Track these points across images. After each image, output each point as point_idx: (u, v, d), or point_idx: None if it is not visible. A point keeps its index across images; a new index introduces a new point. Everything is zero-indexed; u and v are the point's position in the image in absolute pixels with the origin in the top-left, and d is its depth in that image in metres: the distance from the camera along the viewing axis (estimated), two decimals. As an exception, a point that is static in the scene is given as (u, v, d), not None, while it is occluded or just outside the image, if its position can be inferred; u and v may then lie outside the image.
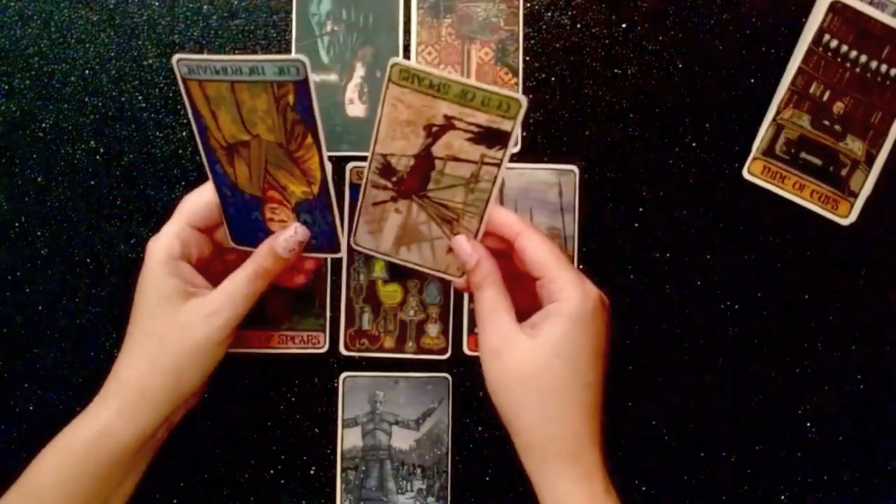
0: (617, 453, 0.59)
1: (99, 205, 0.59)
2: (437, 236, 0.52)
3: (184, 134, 0.59)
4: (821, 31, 0.57)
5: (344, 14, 0.59)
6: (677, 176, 0.59)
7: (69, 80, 0.59)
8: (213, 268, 0.54)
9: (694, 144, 0.59)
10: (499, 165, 0.48)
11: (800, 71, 0.58)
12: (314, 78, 0.59)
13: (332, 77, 0.59)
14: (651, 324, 0.59)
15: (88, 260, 0.59)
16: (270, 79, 0.45)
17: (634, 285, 0.59)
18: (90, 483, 0.49)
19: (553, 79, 0.59)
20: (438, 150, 0.49)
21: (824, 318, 0.59)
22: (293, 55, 0.45)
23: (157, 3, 0.59)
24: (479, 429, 0.59)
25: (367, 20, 0.59)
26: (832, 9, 0.57)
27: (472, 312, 0.58)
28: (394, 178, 0.50)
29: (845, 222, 0.58)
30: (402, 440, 0.59)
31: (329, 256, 0.53)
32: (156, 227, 0.59)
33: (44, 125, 0.59)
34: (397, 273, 0.58)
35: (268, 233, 0.52)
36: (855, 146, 0.58)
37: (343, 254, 0.53)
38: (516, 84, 0.59)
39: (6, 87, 0.60)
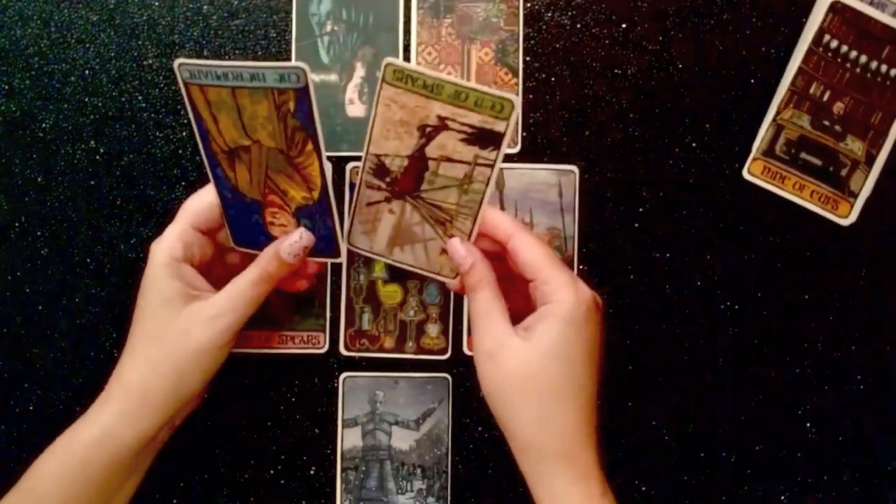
0: (617, 453, 0.59)
1: (99, 205, 0.59)
2: (430, 237, 0.52)
3: (184, 134, 0.59)
4: (821, 32, 0.57)
5: (344, 14, 0.59)
6: (677, 176, 0.59)
7: (69, 80, 0.59)
8: (215, 270, 0.54)
9: (694, 144, 0.59)
10: (492, 166, 0.48)
11: (800, 71, 0.58)
12: (314, 78, 0.59)
13: (332, 77, 0.59)
14: (651, 324, 0.59)
15: (88, 260, 0.59)
16: (271, 85, 0.46)
17: (634, 285, 0.59)
18: (91, 486, 0.49)
19: (553, 79, 0.59)
20: (432, 150, 0.49)
21: (824, 318, 0.59)
22: (294, 63, 0.45)
23: (157, 3, 0.59)
24: (479, 429, 0.59)
25: (367, 20, 0.59)
26: (832, 9, 0.57)
27: (472, 312, 0.58)
28: (388, 179, 0.50)
29: (845, 222, 0.58)
30: (402, 440, 0.59)
31: (329, 261, 0.53)
32: (156, 228, 0.59)
33: (44, 125, 0.59)
34: (397, 273, 0.58)
35: (268, 236, 0.52)
36: (855, 146, 0.58)
37: (343, 258, 0.53)
38: (516, 84, 0.59)
39: (6, 87, 0.60)
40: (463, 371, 0.59)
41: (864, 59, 0.57)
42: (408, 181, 0.50)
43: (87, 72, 0.60)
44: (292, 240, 0.51)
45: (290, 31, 0.59)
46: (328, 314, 0.59)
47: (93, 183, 0.59)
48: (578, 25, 0.59)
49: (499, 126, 0.47)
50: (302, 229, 0.51)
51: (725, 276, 0.59)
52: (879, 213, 0.58)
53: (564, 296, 0.48)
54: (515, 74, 0.59)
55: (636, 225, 0.59)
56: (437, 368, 0.59)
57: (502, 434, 0.50)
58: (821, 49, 0.57)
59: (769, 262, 0.59)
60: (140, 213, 0.59)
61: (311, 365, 0.59)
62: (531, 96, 0.59)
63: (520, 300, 0.51)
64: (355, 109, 0.59)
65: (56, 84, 0.59)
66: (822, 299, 0.59)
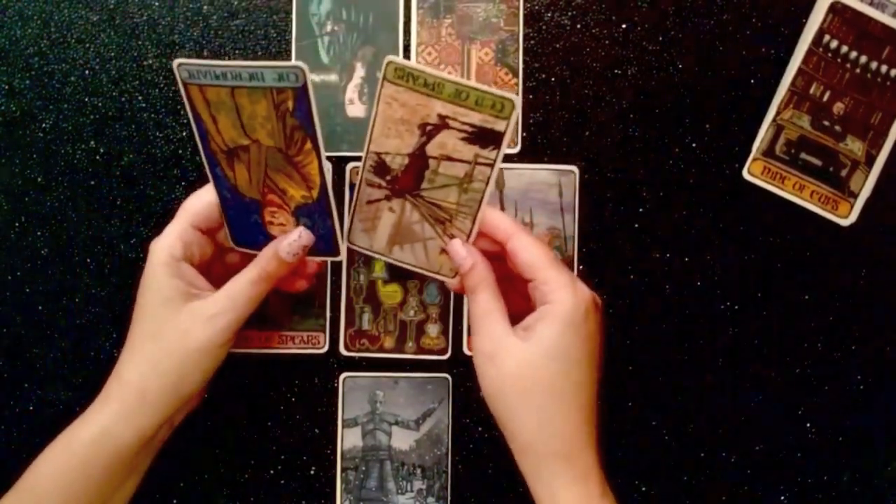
0: (617, 453, 0.59)
1: (99, 205, 0.59)
2: (430, 237, 0.52)
3: (184, 134, 0.59)
4: (821, 32, 0.57)
5: (344, 14, 0.59)
6: (677, 176, 0.59)
7: (69, 80, 0.59)
8: (215, 270, 0.54)
9: (694, 144, 0.59)
10: (492, 166, 0.48)
11: (800, 71, 0.58)
12: (314, 78, 0.59)
13: (332, 77, 0.59)
14: (651, 324, 0.59)
15: (88, 260, 0.59)
16: (270, 85, 0.46)
17: (634, 285, 0.59)
18: (91, 485, 0.49)
19: (553, 79, 0.59)
20: (432, 149, 0.49)
21: (824, 318, 0.59)
22: (292, 62, 0.45)
23: (157, 3, 0.59)
24: (479, 429, 0.59)
25: (367, 20, 0.59)
26: (832, 9, 0.57)
27: (472, 312, 0.58)
28: (388, 177, 0.50)
29: (845, 223, 0.58)
30: (402, 440, 0.59)
31: (329, 260, 0.53)
32: (156, 227, 0.59)
33: (44, 125, 0.59)
34: (397, 273, 0.58)
35: (268, 236, 0.52)
36: (855, 147, 0.58)
37: (343, 257, 0.53)
38: (516, 84, 0.59)
39: (6, 87, 0.60)
40: (463, 371, 0.59)
41: (864, 59, 0.57)
42: (408, 179, 0.50)
43: (87, 72, 0.60)
44: (291, 239, 0.51)
45: (290, 31, 0.59)
46: (328, 314, 0.59)
47: (93, 183, 0.59)
48: (578, 25, 0.59)
49: (499, 125, 0.47)
50: (301, 228, 0.51)
51: (725, 276, 0.59)
52: (879, 213, 0.58)
53: (563, 296, 0.48)
54: (515, 74, 0.59)
55: (636, 225, 0.59)
56: (437, 368, 0.59)
57: (502, 434, 0.50)
58: (821, 49, 0.57)
59: (769, 262, 0.59)
60: (140, 213, 0.59)
61: (311, 365, 0.59)
62: (531, 96, 0.59)
63: (519, 300, 0.51)
64: (355, 109, 0.59)
65: (56, 84, 0.59)
66: (822, 299, 0.59)
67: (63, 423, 0.51)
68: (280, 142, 0.48)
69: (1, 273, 0.59)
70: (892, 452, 0.59)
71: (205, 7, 0.59)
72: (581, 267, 0.59)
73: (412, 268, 0.53)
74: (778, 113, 0.58)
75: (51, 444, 0.50)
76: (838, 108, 0.58)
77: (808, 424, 0.59)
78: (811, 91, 0.58)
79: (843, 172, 0.58)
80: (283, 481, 0.59)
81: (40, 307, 0.59)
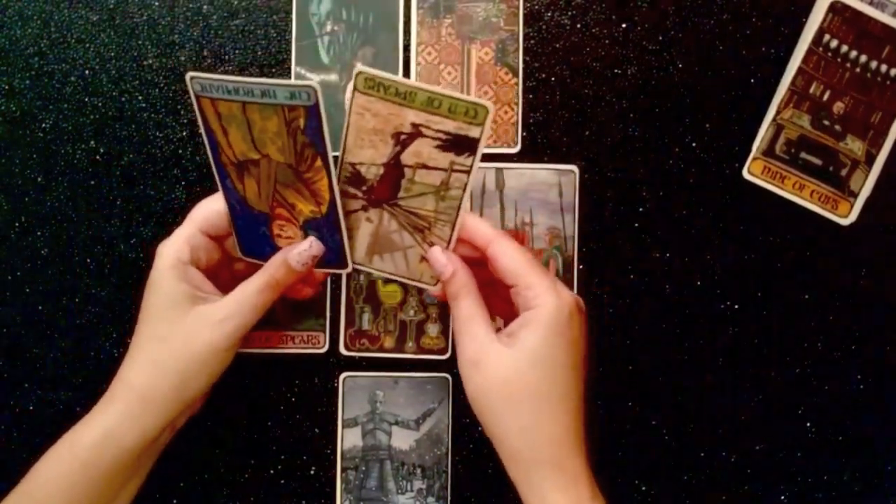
0: (617, 453, 0.59)
1: (99, 205, 0.59)
2: (409, 245, 0.51)
3: (184, 134, 0.59)
4: (821, 31, 0.57)
5: (344, 14, 0.59)
6: (677, 176, 0.59)
7: (69, 80, 0.59)
8: (222, 276, 0.53)
9: (694, 144, 0.59)
10: (468, 172, 0.48)
11: (800, 71, 0.58)
12: (314, 78, 0.59)
13: (332, 77, 0.59)
14: (651, 324, 0.59)
15: (88, 260, 0.59)
16: (281, 102, 0.46)
17: (634, 285, 0.59)
18: (93, 487, 0.49)
19: (553, 79, 0.59)
20: (407, 158, 0.48)
21: (824, 318, 0.59)
22: (305, 81, 0.45)
23: (156, 3, 0.59)
24: (479, 429, 0.59)
25: (367, 20, 0.59)
26: (832, 9, 0.57)
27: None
28: (364, 188, 0.50)
29: (845, 222, 0.58)
30: (402, 440, 0.59)
31: (336, 272, 0.53)
32: (156, 228, 0.59)
33: (44, 125, 0.59)
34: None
35: (275, 248, 0.52)
36: (855, 146, 0.58)
37: (350, 268, 0.52)
38: (516, 84, 0.59)
39: (6, 87, 0.60)
40: (463, 371, 0.59)
41: (864, 59, 0.57)
42: (384, 189, 0.50)
43: (87, 72, 0.60)
44: (302, 248, 0.51)
45: (290, 31, 0.59)
46: (328, 314, 0.59)
47: (93, 183, 0.59)
48: (578, 25, 0.59)
49: (474, 132, 0.46)
50: (312, 238, 0.51)
51: (725, 276, 0.59)
52: (879, 213, 0.58)
53: (546, 301, 0.47)
54: (515, 74, 0.59)
55: (636, 225, 0.59)
56: (437, 368, 0.59)
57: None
58: (821, 49, 0.57)
59: (769, 262, 0.59)
60: (140, 213, 0.59)
61: (311, 365, 0.59)
62: (531, 96, 0.59)
63: (502, 305, 0.51)
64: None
65: (56, 84, 0.59)
66: (822, 299, 0.59)
67: (63, 424, 0.50)
68: (290, 158, 0.48)
69: (1, 273, 0.59)
70: (892, 452, 0.59)
71: (205, 7, 0.59)
72: (581, 267, 0.59)
73: (393, 277, 0.53)
74: (778, 112, 0.58)
75: (53, 445, 0.50)
76: (838, 107, 0.58)
77: (808, 424, 0.59)
78: (811, 90, 0.58)
79: (843, 172, 0.58)
80: (283, 481, 0.59)
81: (40, 307, 0.59)
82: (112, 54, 0.59)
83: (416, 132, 0.47)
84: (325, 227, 0.50)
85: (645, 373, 0.59)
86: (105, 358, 0.59)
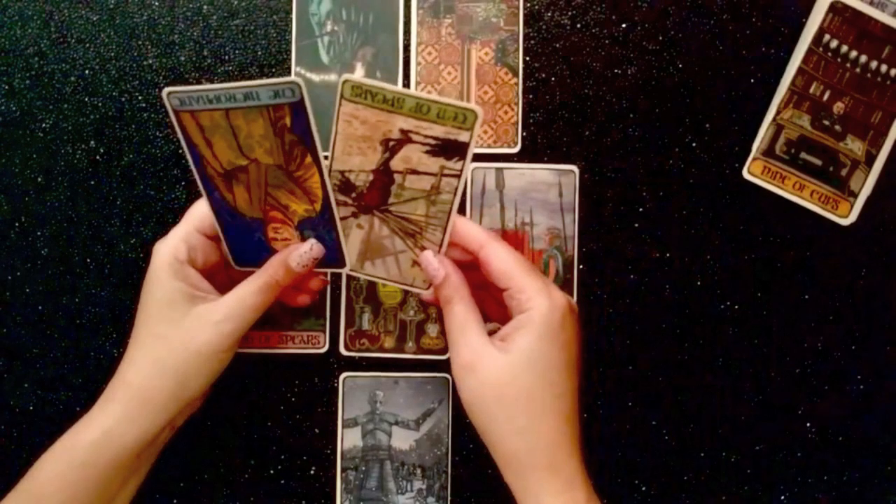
0: (617, 453, 0.59)
1: (99, 205, 0.59)
2: (401, 250, 0.51)
3: (184, 134, 0.59)
4: (821, 32, 0.57)
5: (344, 14, 0.59)
6: (677, 176, 0.59)
7: (69, 80, 0.59)
8: (219, 277, 0.53)
9: (694, 144, 0.59)
10: (458, 176, 0.48)
11: (800, 71, 0.58)
12: (313, 78, 0.59)
13: (332, 77, 0.59)
14: (651, 324, 0.59)
15: (88, 260, 0.59)
16: (266, 103, 0.45)
17: (634, 285, 0.59)
18: (92, 486, 0.49)
19: (553, 79, 0.59)
20: (397, 164, 0.48)
21: (824, 318, 0.59)
22: (287, 78, 0.44)
23: (157, 3, 0.59)
24: (479, 429, 0.59)
25: (367, 20, 0.59)
26: (832, 9, 0.57)
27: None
28: (353, 194, 0.50)
29: (845, 222, 0.58)
30: (402, 440, 0.59)
31: (334, 271, 0.53)
32: (156, 228, 0.59)
33: (44, 125, 0.59)
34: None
35: (271, 251, 0.52)
36: (855, 146, 0.58)
37: (348, 267, 0.52)
38: (516, 84, 0.59)
39: (6, 87, 0.60)
40: (463, 371, 0.59)
41: (864, 59, 0.57)
42: (374, 196, 0.49)
43: (87, 72, 0.60)
44: (303, 250, 0.51)
45: (290, 31, 0.59)
46: (328, 314, 0.59)
47: (93, 183, 0.59)
48: (578, 25, 0.59)
49: (463, 136, 0.46)
50: (313, 240, 0.51)
51: (725, 276, 0.59)
52: (879, 213, 0.58)
53: (539, 303, 0.47)
54: (515, 74, 0.59)
55: (636, 225, 0.59)
56: (436, 368, 0.59)
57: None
58: (821, 49, 0.57)
59: (769, 262, 0.59)
60: (140, 213, 0.59)
61: (311, 365, 0.59)
62: (531, 96, 0.59)
63: (496, 308, 0.51)
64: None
65: (56, 84, 0.59)
66: (822, 299, 0.59)
67: (63, 424, 0.50)
68: (279, 158, 0.48)
69: (1, 273, 0.59)
70: (892, 452, 0.59)
71: (205, 7, 0.59)
72: (581, 267, 0.59)
73: (386, 282, 0.53)
74: (778, 112, 0.58)
75: (52, 445, 0.50)
76: (838, 107, 0.58)
77: (808, 424, 0.59)
78: (811, 91, 0.58)
79: (843, 172, 0.58)
80: (283, 481, 0.59)
81: (40, 307, 0.59)
82: (112, 54, 0.60)
83: (405, 138, 0.47)
84: (321, 225, 0.50)
85: (645, 373, 0.59)
86: (105, 358, 0.59)
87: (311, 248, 0.51)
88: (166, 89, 0.46)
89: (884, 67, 0.57)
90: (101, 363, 0.59)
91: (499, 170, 0.59)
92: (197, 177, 0.49)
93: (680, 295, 0.59)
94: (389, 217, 0.50)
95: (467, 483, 0.59)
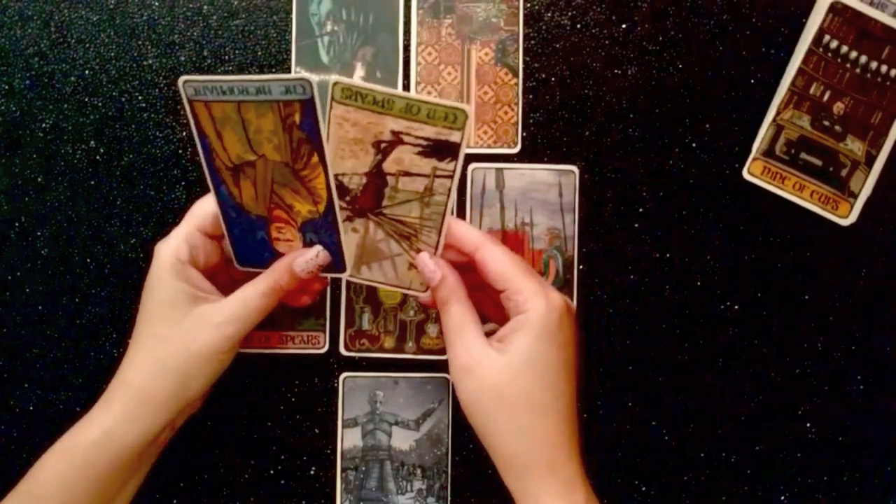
0: (617, 453, 0.59)
1: (99, 205, 0.59)
2: (397, 253, 0.51)
3: (184, 134, 0.59)
4: (821, 32, 0.57)
5: (344, 14, 0.59)
6: (677, 176, 0.59)
7: (69, 80, 0.59)
8: (221, 278, 0.53)
9: (694, 144, 0.59)
10: (451, 177, 0.48)
11: (800, 71, 0.58)
12: (314, 78, 0.59)
13: (333, 77, 0.59)
14: (651, 324, 0.59)
15: (88, 260, 0.59)
16: (277, 98, 0.45)
17: (634, 285, 0.59)
18: (93, 486, 0.49)
19: (553, 79, 0.59)
20: (389, 165, 0.48)
21: (824, 318, 0.59)
22: (300, 74, 0.45)
23: (157, 3, 0.59)
24: (479, 429, 0.59)
25: (367, 20, 0.59)
26: (832, 9, 0.57)
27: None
28: (347, 198, 0.50)
29: (845, 222, 0.58)
30: (402, 440, 0.59)
31: (334, 276, 0.53)
32: (156, 228, 0.59)
33: (44, 125, 0.59)
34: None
35: (274, 252, 0.52)
36: (855, 146, 0.58)
37: (348, 272, 0.52)
38: (516, 84, 0.59)
39: (6, 87, 0.60)
40: (463, 371, 0.59)
41: (864, 59, 0.57)
42: (368, 199, 0.49)
43: (87, 72, 0.60)
44: (309, 256, 0.51)
45: (290, 31, 0.59)
46: (328, 314, 0.59)
47: (93, 183, 0.59)
48: (578, 25, 0.59)
49: (454, 136, 0.46)
50: (319, 247, 0.51)
51: (725, 276, 0.59)
52: (879, 213, 0.58)
53: (536, 304, 0.47)
54: (515, 74, 0.59)
55: (636, 225, 0.59)
56: (436, 368, 0.59)
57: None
58: (821, 49, 0.57)
59: (769, 262, 0.59)
60: (140, 213, 0.59)
61: (311, 365, 0.59)
62: (531, 96, 0.59)
63: (493, 309, 0.51)
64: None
65: (56, 84, 0.59)
66: (822, 299, 0.59)
67: (63, 424, 0.51)
68: (287, 156, 0.48)
69: (1, 273, 0.59)
70: (892, 452, 0.59)
71: (205, 7, 0.59)
72: (581, 267, 0.59)
73: (383, 286, 0.53)
74: (778, 113, 0.58)
75: (53, 445, 0.50)
76: (838, 108, 0.58)
77: (808, 424, 0.59)
78: (811, 91, 0.58)
79: (843, 172, 0.58)
80: (283, 481, 0.59)
81: (40, 307, 0.59)
82: (112, 54, 0.59)
83: (397, 140, 0.47)
84: (323, 228, 0.50)
85: (645, 373, 0.59)
86: (105, 358, 0.59)
87: (316, 256, 0.51)
88: (183, 77, 0.46)
89: (884, 68, 0.57)
90: (101, 363, 0.59)
91: (499, 170, 0.59)
92: (206, 169, 0.50)
93: (680, 295, 0.59)
94: (384, 220, 0.50)
95: (467, 483, 0.59)
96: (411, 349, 0.59)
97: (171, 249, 0.50)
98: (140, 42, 0.59)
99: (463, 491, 0.59)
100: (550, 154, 0.59)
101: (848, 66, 0.57)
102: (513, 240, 0.59)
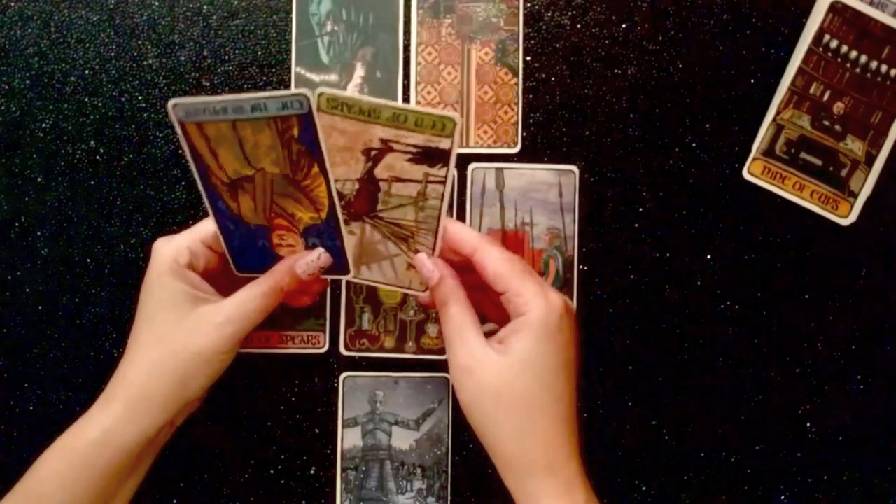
0: (617, 453, 0.59)
1: (99, 205, 0.59)
2: (395, 253, 0.51)
3: (184, 134, 0.59)
4: (821, 32, 0.57)
5: (344, 14, 0.59)
6: (677, 176, 0.59)
7: (69, 80, 0.59)
8: (220, 281, 0.53)
9: (694, 144, 0.59)
10: (444, 182, 0.47)
11: (800, 71, 0.58)
12: (313, 78, 0.59)
13: (332, 77, 0.59)
14: (651, 324, 0.59)
15: (88, 260, 0.59)
16: (274, 114, 0.45)
17: (634, 285, 0.59)
18: (92, 485, 0.49)
19: (553, 79, 0.59)
20: (381, 172, 0.48)
21: (824, 318, 0.59)
22: (296, 90, 0.44)
23: (156, 3, 0.59)
24: (479, 429, 0.59)
25: (367, 20, 0.59)
26: (832, 9, 0.57)
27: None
28: (342, 202, 0.49)
29: (845, 222, 0.58)
30: (402, 440, 0.59)
31: (337, 278, 0.53)
32: (156, 228, 0.59)
33: (44, 125, 0.59)
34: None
35: (275, 257, 0.52)
36: (855, 146, 0.58)
37: (352, 274, 0.52)
38: (516, 84, 0.59)
39: (6, 87, 0.60)
40: (463, 371, 0.59)
41: (864, 59, 0.57)
42: (362, 203, 0.49)
43: (87, 72, 0.60)
44: (310, 258, 0.50)
45: (290, 31, 0.59)
46: (328, 314, 0.59)
47: (93, 183, 0.59)
48: (578, 25, 0.59)
49: (444, 144, 0.46)
50: (320, 250, 0.51)
51: (725, 276, 0.59)
52: (879, 213, 0.58)
53: (536, 306, 0.47)
54: (515, 74, 0.59)
55: (636, 225, 0.59)
56: (436, 368, 0.59)
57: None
58: (821, 49, 0.57)
59: (769, 262, 0.59)
60: (140, 213, 0.59)
61: (311, 365, 0.59)
62: (531, 96, 0.59)
63: (493, 309, 0.51)
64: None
65: (56, 84, 0.59)
66: (822, 299, 0.59)
67: (63, 423, 0.50)
68: (286, 168, 0.47)
69: (1, 273, 0.59)
70: (892, 452, 0.59)
71: (205, 7, 0.59)
72: (581, 267, 0.59)
73: (383, 285, 0.53)
74: (778, 113, 0.58)
75: (53, 444, 0.50)
76: (838, 107, 0.58)
77: (808, 424, 0.59)
78: (811, 91, 0.58)
79: (843, 172, 0.58)
80: (283, 481, 0.59)
81: (40, 307, 0.59)
82: (112, 54, 0.59)
83: (386, 147, 0.47)
84: (326, 233, 0.50)
85: (645, 373, 0.59)
86: (105, 358, 0.59)
87: (318, 258, 0.51)
88: (171, 101, 0.45)
89: (884, 67, 0.57)
90: (101, 363, 0.59)
91: (499, 170, 0.59)
92: (200, 187, 0.49)
93: (680, 295, 0.59)
94: (380, 223, 0.50)
95: (467, 483, 0.59)
96: (411, 349, 0.59)
97: (172, 251, 0.50)
98: (140, 42, 0.59)
99: (463, 491, 0.59)
100: (550, 154, 0.59)
101: (848, 65, 0.57)
102: (513, 240, 0.59)
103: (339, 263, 0.51)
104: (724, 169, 0.59)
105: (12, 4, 0.59)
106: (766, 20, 0.59)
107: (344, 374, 0.59)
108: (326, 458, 0.59)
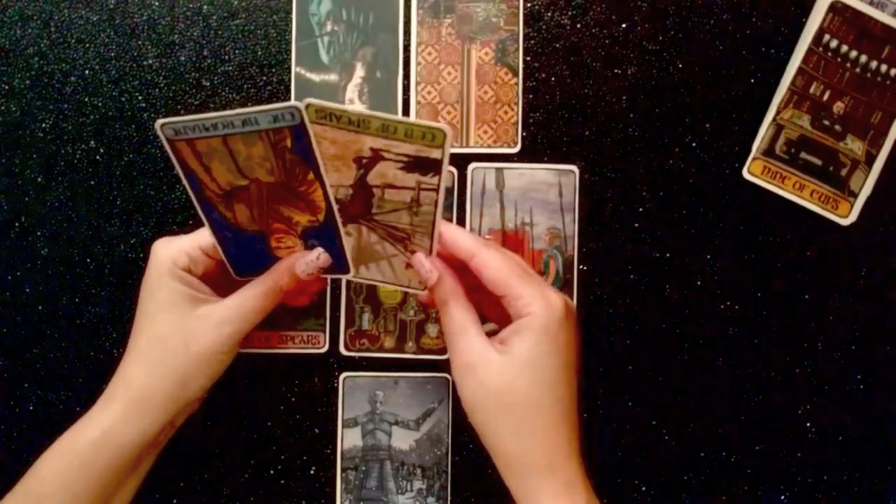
0: (617, 453, 0.59)
1: (99, 205, 0.59)
2: (392, 254, 0.51)
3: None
4: (821, 31, 0.57)
5: (344, 14, 0.59)
6: (677, 176, 0.59)
7: (69, 80, 0.59)
8: (219, 283, 0.53)
9: (694, 144, 0.59)
10: (436, 190, 0.47)
11: (800, 71, 0.58)
12: (313, 78, 0.59)
13: (332, 77, 0.59)
14: (651, 324, 0.59)
15: (88, 260, 0.59)
16: (265, 127, 0.44)
17: (634, 285, 0.59)
18: (92, 486, 0.49)
19: (553, 79, 0.59)
20: (373, 178, 0.47)
21: (824, 318, 0.59)
22: (286, 103, 0.43)
23: (156, 3, 0.59)
24: (479, 429, 0.59)
25: (367, 20, 0.59)
26: (832, 9, 0.57)
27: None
28: (337, 206, 0.49)
29: (845, 222, 0.58)
30: (402, 440, 0.59)
31: (337, 277, 0.53)
32: (156, 228, 0.59)
33: (44, 125, 0.59)
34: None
35: (275, 259, 0.52)
36: (855, 146, 0.58)
37: (352, 273, 0.52)
38: (516, 84, 0.59)
39: (6, 87, 0.60)
40: (463, 371, 0.59)
41: (864, 59, 0.57)
42: (357, 207, 0.49)
43: (87, 72, 0.60)
44: (310, 258, 0.50)
45: (290, 31, 0.59)
46: (328, 314, 0.59)
47: (93, 183, 0.59)
48: (578, 25, 0.59)
49: (434, 153, 0.45)
50: (320, 250, 0.51)
51: (725, 276, 0.59)
52: (879, 213, 0.58)
53: (537, 308, 0.47)
54: (515, 74, 0.59)
55: (636, 225, 0.59)
56: (436, 368, 0.59)
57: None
58: (821, 49, 0.57)
59: (769, 262, 0.59)
60: (140, 213, 0.59)
61: (311, 365, 0.59)
62: (531, 96, 0.59)
63: (493, 309, 0.51)
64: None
65: (56, 84, 0.59)
66: (822, 299, 0.59)
67: (63, 423, 0.51)
68: (281, 176, 0.47)
69: (1, 273, 0.59)
70: (892, 452, 0.59)
71: (205, 7, 0.59)
72: (581, 267, 0.59)
73: (383, 284, 0.53)
74: (778, 112, 0.58)
75: (52, 444, 0.50)
76: (838, 107, 0.58)
77: (808, 424, 0.59)
78: (811, 90, 0.58)
79: (843, 172, 0.58)
80: (283, 481, 0.59)
81: (40, 307, 0.59)
82: (112, 54, 0.59)
83: (377, 156, 0.46)
84: (325, 234, 0.50)
85: (645, 373, 0.59)
86: (105, 358, 0.59)
87: (317, 258, 0.51)
88: (159, 121, 0.44)
89: (884, 67, 0.57)
90: (101, 363, 0.59)
91: (499, 170, 0.59)
92: (194, 201, 0.49)
93: (680, 295, 0.59)
94: (376, 225, 0.50)
95: (467, 483, 0.59)
96: (411, 349, 0.59)
97: (170, 254, 0.50)
98: (140, 42, 0.59)
99: (463, 491, 0.59)
100: (550, 154, 0.59)
101: (848, 65, 0.57)
102: (513, 240, 0.59)
103: (338, 263, 0.51)
104: (724, 169, 0.59)
105: (12, 4, 0.59)
106: (766, 20, 0.59)
107: (344, 374, 0.59)
108: (326, 458, 0.59)
